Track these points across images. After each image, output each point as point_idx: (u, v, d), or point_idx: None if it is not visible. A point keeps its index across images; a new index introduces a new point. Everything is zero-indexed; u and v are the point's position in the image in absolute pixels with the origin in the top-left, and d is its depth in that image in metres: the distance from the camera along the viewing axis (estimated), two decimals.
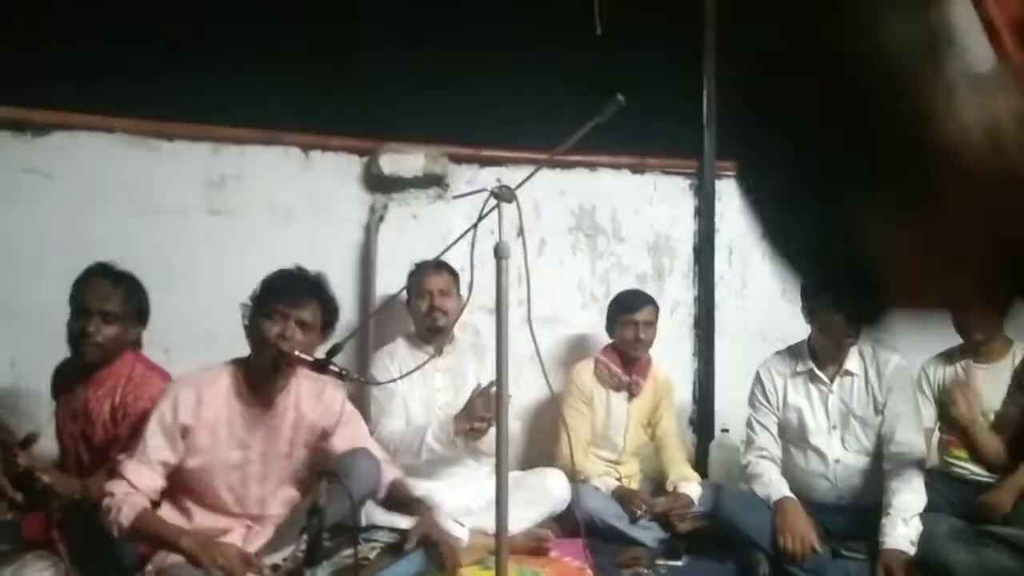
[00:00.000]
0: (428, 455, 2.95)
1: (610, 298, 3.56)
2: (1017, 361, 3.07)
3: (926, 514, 2.69)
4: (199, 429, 2.27)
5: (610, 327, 3.45)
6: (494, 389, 2.75)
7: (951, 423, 2.68)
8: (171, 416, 2.24)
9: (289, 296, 2.28)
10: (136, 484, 2.16)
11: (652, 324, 3.40)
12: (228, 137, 3.62)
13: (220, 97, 3.59)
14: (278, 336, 2.23)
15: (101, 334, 2.43)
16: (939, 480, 2.99)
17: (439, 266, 3.12)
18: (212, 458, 2.29)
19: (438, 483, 2.98)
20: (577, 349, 3.81)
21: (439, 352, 3.17)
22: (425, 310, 3.16)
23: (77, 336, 2.44)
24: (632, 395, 3.44)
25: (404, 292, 3.19)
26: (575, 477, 3.18)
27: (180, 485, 2.32)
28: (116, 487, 2.15)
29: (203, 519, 2.31)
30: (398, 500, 2.38)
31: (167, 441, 2.23)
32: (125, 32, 3.67)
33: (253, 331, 2.31)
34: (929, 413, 3.12)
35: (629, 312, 3.37)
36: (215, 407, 2.29)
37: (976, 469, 3.11)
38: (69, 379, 2.60)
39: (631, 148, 3.97)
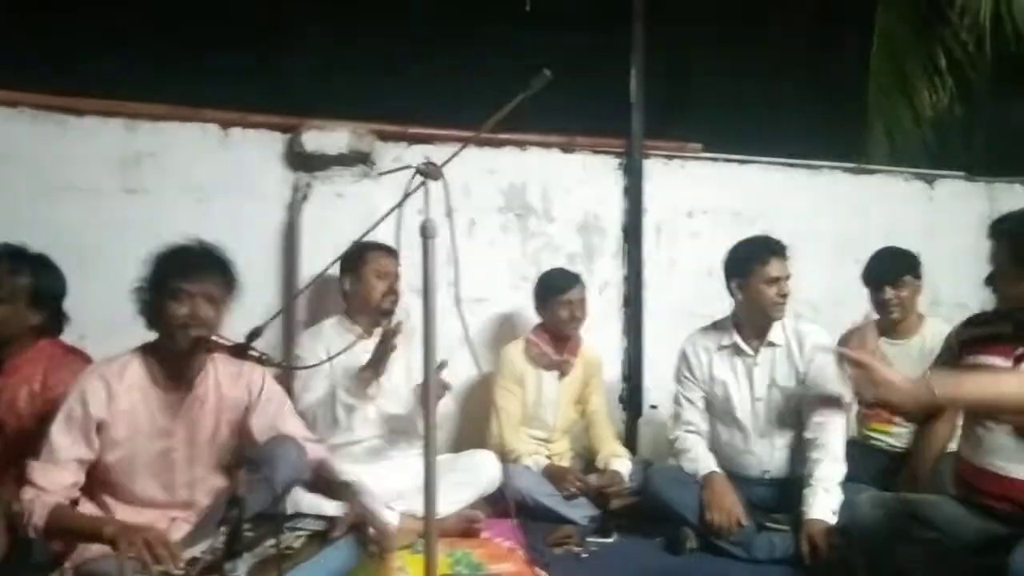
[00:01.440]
0: (343, 413, 2.91)
1: None
2: (928, 336, 3.17)
3: (846, 483, 2.77)
4: (115, 422, 2.15)
5: (541, 307, 3.45)
6: (395, 326, 2.85)
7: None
8: (81, 411, 2.12)
9: (191, 272, 2.16)
10: (44, 487, 2.06)
11: (584, 302, 3.42)
12: (142, 113, 3.47)
13: (133, 71, 3.44)
14: (188, 317, 2.13)
15: None
16: (858, 450, 3.09)
17: (391, 250, 3.08)
18: (133, 449, 2.19)
19: (368, 467, 2.94)
20: (508, 329, 3.80)
21: (368, 334, 3.12)
22: (384, 291, 3.11)
23: None
24: (563, 374, 3.45)
25: (344, 271, 3.14)
26: (506, 457, 3.19)
27: (98, 481, 2.21)
28: (26, 492, 2.05)
29: (123, 514, 2.20)
30: (325, 482, 2.31)
31: (80, 437, 2.12)
32: (30, 4, 3.48)
33: (157, 314, 2.19)
34: (848, 387, 3.21)
35: (562, 292, 3.37)
36: (130, 397, 2.18)
37: (893, 441, 3.23)
38: None
39: (560, 127, 3.97)
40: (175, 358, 2.21)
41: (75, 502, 2.17)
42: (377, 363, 2.91)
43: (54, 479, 2.08)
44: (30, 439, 2.28)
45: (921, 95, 5.60)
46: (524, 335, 3.50)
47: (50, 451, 2.10)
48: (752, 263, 2.91)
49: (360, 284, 3.15)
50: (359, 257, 3.11)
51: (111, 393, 2.15)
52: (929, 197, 4.53)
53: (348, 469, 2.80)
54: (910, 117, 5.69)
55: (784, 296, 2.91)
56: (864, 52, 5.76)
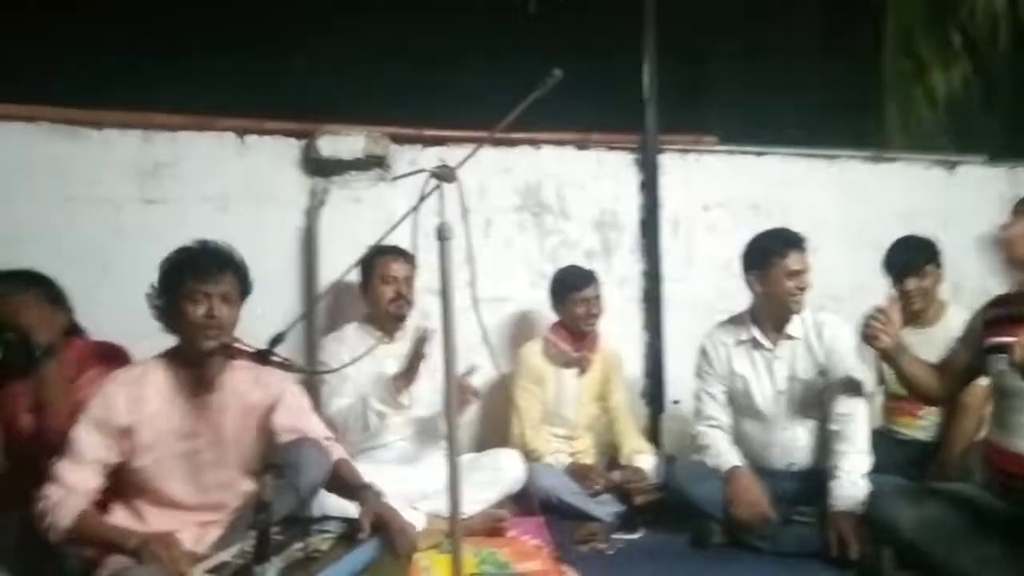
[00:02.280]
0: (376, 421, 2.94)
1: None
2: (951, 323, 3.14)
3: (872, 474, 2.74)
4: (142, 427, 2.18)
5: (557, 305, 3.44)
6: (425, 333, 2.84)
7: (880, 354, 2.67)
8: (105, 416, 2.15)
9: (204, 273, 2.18)
10: (71, 484, 2.09)
11: (600, 298, 3.42)
12: (159, 124, 3.50)
13: (149, 83, 3.48)
14: (206, 318, 2.15)
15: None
16: (884, 442, 3.07)
17: (402, 252, 3.07)
18: (161, 453, 2.21)
19: (394, 468, 2.96)
20: (528, 327, 3.80)
21: (390, 338, 3.14)
22: (391, 297, 3.11)
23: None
24: (582, 371, 3.45)
25: (360, 276, 3.15)
26: (529, 456, 3.19)
27: (131, 487, 2.24)
28: (50, 490, 2.07)
29: (157, 519, 2.22)
30: (343, 484, 2.33)
31: (102, 440, 2.14)
32: (46, 18, 3.52)
33: (175, 318, 2.21)
34: (869, 378, 3.20)
35: (579, 290, 3.37)
36: (155, 402, 2.21)
37: (919, 434, 3.20)
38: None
39: (574, 124, 3.97)
40: (196, 361, 2.23)
41: (104, 506, 2.20)
42: (409, 371, 2.93)
43: (79, 477, 2.10)
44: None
45: (935, 77, 5.53)
46: (542, 334, 3.50)
47: (76, 451, 2.12)
48: (770, 256, 2.89)
49: (370, 290, 3.16)
50: (370, 263, 3.11)
51: (136, 398, 2.18)
52: (949, 183, 4.48)
53: (372, 471, 2.84)
54: (925, 101, 5.63)
55: (803, 289, 2.89)
56: (879, 37, 5.71)
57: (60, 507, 2.04)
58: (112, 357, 2.58)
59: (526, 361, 3.43)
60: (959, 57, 5.43)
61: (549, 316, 3.58)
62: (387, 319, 3.15)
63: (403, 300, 3.12)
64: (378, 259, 3.10)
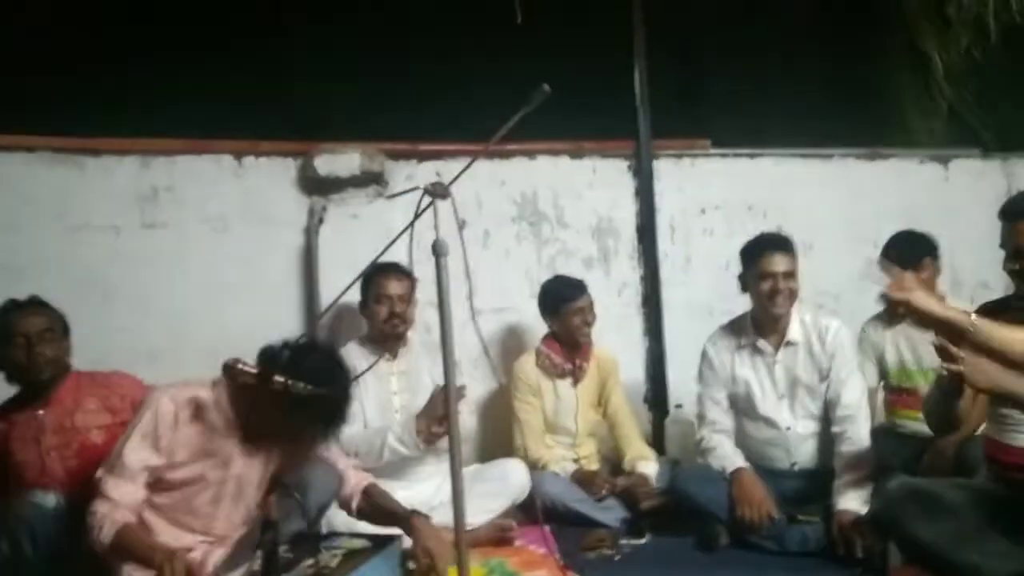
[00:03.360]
0: (390, 456, 2.93)
1: None
2: None
3: (876, 471, 2.75)
4: (177, 445, 2.19)
5: (550, 318, 3.45)
6: (442, 388, 2.78)
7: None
8: (152, 426, 2.16)
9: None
10: (118, 499, 2.11)
11: (592, 307, 3.44)
12: (156, 149, 3.54)
13: (145, 109, 3.52)
14: None
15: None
16: (887, 437, 3.07)
17: (398, 270, 3.05)
18: (190, 474, 2.21)
19: (399, 481, 2.97)
20: (529, 337, 3.81)
21: (393, 355, 3.15)
22: (385, 316, 3.09)
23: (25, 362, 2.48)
24: (577, 380, 3.46)
25: (360, 294, 3.15)
26: (533, 466, 3.20)
27: (151, 499, 2.24)
28: (99, 506, 2.11)
29: (167, 535, 2.23)
30: (379, 510, 2.34)
31: (150, 452, 2.16)
32: (41, 47, 3.57)
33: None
34: (872, 373, 3.20)
35: (572, 301, 3.38)
36: (190, 429, 2.20)
37: (921, 427, 3.20)
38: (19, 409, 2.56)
39: (568, 133, 3.99)
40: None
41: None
42: (430, 420, 2.88)
43: (126, 492, 2.13)
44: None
45: (934, 59, 5.49)
46: (536, 346, 3.51)
47: (122, 464, 2.14)
48: (753, 259, 2.92)
49: (367, 308, 3.16)
50: (367, 281, 3.09)
51: (177, 420, 2.19)
52: (945, 178, 4.49)
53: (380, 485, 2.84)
54: (925, 89, 5.60)
55: (784, 291, 2.89)
56: (875, 29, 5.69)
57: (106, 523, 2.07)
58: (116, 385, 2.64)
59: (521, 375, 3.43)
60: (955, 28, 5.38)
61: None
62: (381, 337, 3.14)
63: (397, 319, 3.09)
64: (373, 278, 3.07)
